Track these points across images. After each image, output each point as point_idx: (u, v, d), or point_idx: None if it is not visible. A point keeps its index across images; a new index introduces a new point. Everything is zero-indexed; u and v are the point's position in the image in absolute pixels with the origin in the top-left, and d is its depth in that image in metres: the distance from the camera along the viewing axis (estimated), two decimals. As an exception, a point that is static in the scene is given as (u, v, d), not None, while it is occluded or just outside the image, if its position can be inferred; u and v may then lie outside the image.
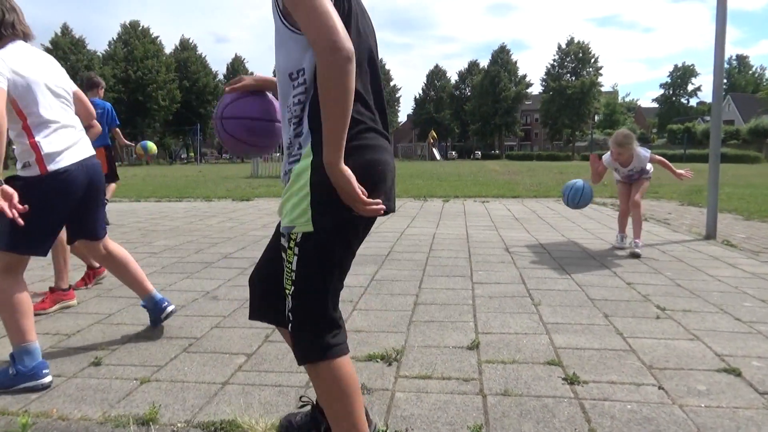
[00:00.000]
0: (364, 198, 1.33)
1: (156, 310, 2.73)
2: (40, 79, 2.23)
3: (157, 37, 56.47)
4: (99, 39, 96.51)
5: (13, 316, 2.15)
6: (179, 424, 1.82)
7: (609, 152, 4.88)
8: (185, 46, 61.60)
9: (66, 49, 48.21)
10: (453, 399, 1.99)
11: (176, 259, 4.64)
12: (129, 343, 2.60)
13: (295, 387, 2.10)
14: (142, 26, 55.45)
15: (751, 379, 2.14)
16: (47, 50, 48.95)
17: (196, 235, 6.02)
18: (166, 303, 2.75)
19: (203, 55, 62.15)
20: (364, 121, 1.40)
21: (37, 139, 2.20)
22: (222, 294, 3.47)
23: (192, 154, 60.73)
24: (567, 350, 2.46)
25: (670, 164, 4.86)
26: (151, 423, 1.82)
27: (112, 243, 2.70)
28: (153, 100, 52.78)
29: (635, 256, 4.57)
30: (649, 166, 4.85)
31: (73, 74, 50.66)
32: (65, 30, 50.14)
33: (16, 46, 2.21)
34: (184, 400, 2.00)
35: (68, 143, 2.30)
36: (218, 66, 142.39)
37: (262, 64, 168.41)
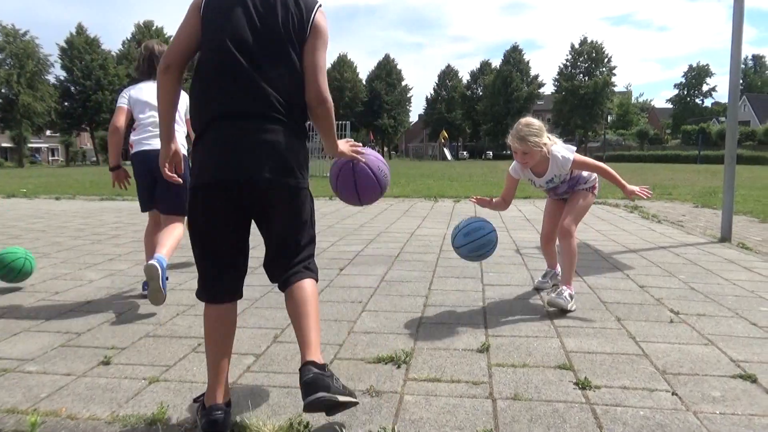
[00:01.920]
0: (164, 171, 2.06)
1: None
2: (146, 101, 3.39)
3: (170, 36, 56.82)
4: (113, 38, 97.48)
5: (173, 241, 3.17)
6: (187, 425, 1.81)
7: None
8: (198, 46, 61.91)
9: (81, 48, 48.72)
10: (462, 402, 1.97)
11: (186, 258, 4.65)
12: (138, 342, 2.61)
13: (303, 388, 2.08)
14: (156, 26, 55.89)
15: (768, 386, 2.09)
16: (62, 49, 49.44)
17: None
18: (145, 287, 3.29)
19: (215, 55, 62.48)
20: (199, 117, 1.84)
21: (132, 134, 3.46)
22: (232, 294, 3.46)
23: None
24: (578, 354, 2.42)
25: (615, 174, 3.11)
26: (159, 423, 1.81)
27: (168, 224, 3.30)
28: (165, 99, 53.16)
29: (555, 305, 3.02)
30: (587, 174, 3.25)
31: (88, 73, 50.69)
32: (80, 30, 50.62)
33: (145, 84, 3.44)
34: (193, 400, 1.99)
35: (147, 139, 3.39)
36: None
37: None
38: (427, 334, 2.69)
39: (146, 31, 54.70)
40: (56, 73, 52.42)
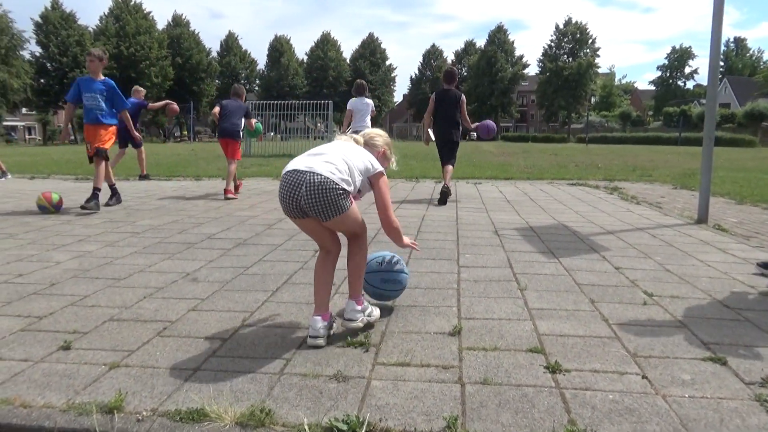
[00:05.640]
0: None
1: None
2: (352, 111, 8.18)
3: (149, 12, 55.54)
4: (90, 14, 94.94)
5: None
6: (144, 413, 1.75)
7: None
8: (178, 22, 60.64)
9: (56, 23, 47.34)
10: (431, 387, 1.93)
11: (158, 239, 4.55)
12: (102, 326, 2.53)
13: (268, 374, 2.03)
14: (134, 1, 54.49)
15: (737, 369, 2.09)
16: (37, 24, 48.01)
17: (181, 214, 5.93)
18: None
19: (196, 32, 61.25)
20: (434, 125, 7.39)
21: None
22: (202, 276, 3.39)
23: (185, 132, 60.11)
24: (550, 337, 2.40)
25: None
26: (115, 411, 1.75)
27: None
28: (146, 77, 52.05)
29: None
30: None
31: (65, 50, 49.19)
32: (55, 4, 49.10)
33: (355, 99, 8.22)
34: (153, 386, 1.93)
35: (354, 126, 7.91)
36: (212, 43, 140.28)
37: (257, 42, 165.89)
38: (400, 317, 2.64)
39: (124, 7, 53.33)
40: (31, 49, 50.72)
